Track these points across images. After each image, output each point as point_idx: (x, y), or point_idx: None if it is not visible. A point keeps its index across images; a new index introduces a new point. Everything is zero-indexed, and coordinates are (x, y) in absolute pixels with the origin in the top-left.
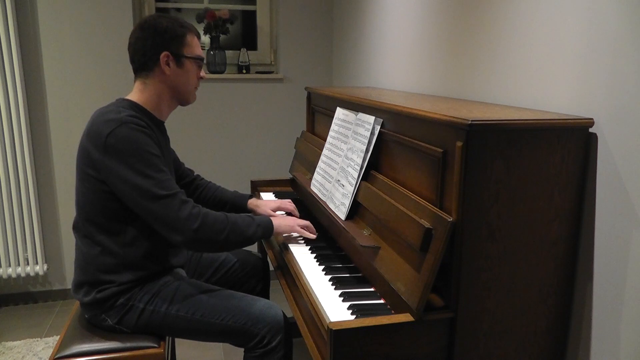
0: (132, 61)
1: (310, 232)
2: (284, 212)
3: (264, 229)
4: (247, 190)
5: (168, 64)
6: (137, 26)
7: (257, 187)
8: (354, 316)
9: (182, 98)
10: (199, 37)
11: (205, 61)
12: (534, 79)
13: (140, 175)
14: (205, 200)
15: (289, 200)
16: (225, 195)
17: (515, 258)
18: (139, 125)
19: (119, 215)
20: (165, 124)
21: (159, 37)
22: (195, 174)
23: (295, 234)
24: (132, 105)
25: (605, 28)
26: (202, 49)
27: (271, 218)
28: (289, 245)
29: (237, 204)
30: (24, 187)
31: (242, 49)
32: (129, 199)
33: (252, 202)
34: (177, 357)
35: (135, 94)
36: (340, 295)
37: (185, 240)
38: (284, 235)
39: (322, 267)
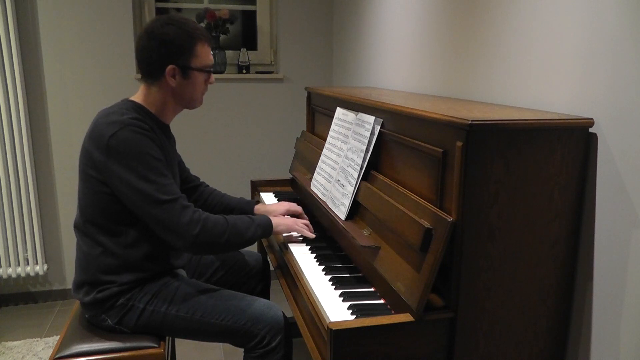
0: (138, 66)
1: (309, 231)
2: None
3: (264, 228)
4: (247, 190)
5: (174, 77)
6: (144, 32)
7: (257, 187)
8: (354, 316)
9: (187, 105)
10: (210, 43)
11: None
12: (534, 79)
13: (142, 179)
14: (212, 208)
15: (296, 204)
16: (231, 202)
17: (515, 258)
18: (141, 128)
19: (120, 217)
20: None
21: (165, 49)
22: (200, 180)
23: (295, 234)
24: (137, 107)
25: (605, 28)
26: None
27: (270, 217)
28: (289, 245)
29: (244, 210)
30: (24, 187)
31: (242, 49)
32: (130, 202)
33: (259, 208)
34: (177, 357)
35: (140, 96)
36: (340, 295)
37: (187, 245)
38: (284, 235)
39: (322, 267)
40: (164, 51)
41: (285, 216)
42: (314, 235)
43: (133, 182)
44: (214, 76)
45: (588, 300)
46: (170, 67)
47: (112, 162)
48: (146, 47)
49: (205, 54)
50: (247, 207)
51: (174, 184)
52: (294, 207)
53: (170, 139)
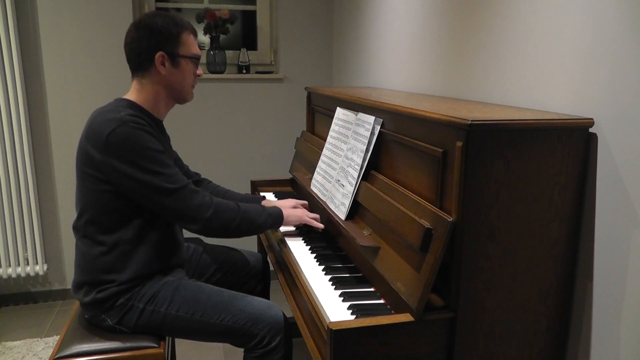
0: (128, 60)
1: (319, 223)
2: None
3: (274, 218)
4: (247, 190)
5: (163, 64)
6: (132, 25)
7: (257, 187)
8: (354, 316)
9: (179, 97)
10: (195, 35)
11: (203, 60)
12: (534, 79)
13: (148, 173)
14: None
15: (305, 202)
16: (235, 197)
17: (515, 258)
18: (139, 124)
19: (119, 215)
20: (164, 123)
21: (153, 37)
22: (201, 176)
23: (292, 228)
24: (131, 104)
25: (605, 28)
26: (202, 49)
27: (281, 208)
28: (289, 245)
29: None
30: (24, 187)
31: (242, 49)
32: (140, 196)
33: (265, 204)
34: (177, 357)
35: (132, 94)
36: (340, 295)
37: (200, 228)
38: (284, 234)
39: (322, 267)
40: (152, 40)
41: (295, 207)
42: (322, 226)
43: (140, 177)
44: (202, 72)
45: (588, 300)
46: (159, 53)
47: (113, 160)
48: (135, 37)
49: (192, 43)
50: (252, 202)
51: (179, 172)
52: (300, 203)
53: (165, 136)
